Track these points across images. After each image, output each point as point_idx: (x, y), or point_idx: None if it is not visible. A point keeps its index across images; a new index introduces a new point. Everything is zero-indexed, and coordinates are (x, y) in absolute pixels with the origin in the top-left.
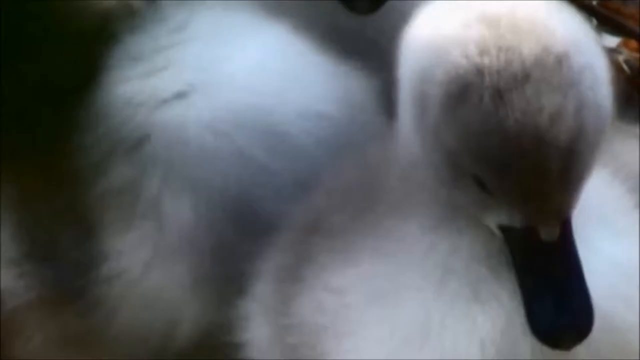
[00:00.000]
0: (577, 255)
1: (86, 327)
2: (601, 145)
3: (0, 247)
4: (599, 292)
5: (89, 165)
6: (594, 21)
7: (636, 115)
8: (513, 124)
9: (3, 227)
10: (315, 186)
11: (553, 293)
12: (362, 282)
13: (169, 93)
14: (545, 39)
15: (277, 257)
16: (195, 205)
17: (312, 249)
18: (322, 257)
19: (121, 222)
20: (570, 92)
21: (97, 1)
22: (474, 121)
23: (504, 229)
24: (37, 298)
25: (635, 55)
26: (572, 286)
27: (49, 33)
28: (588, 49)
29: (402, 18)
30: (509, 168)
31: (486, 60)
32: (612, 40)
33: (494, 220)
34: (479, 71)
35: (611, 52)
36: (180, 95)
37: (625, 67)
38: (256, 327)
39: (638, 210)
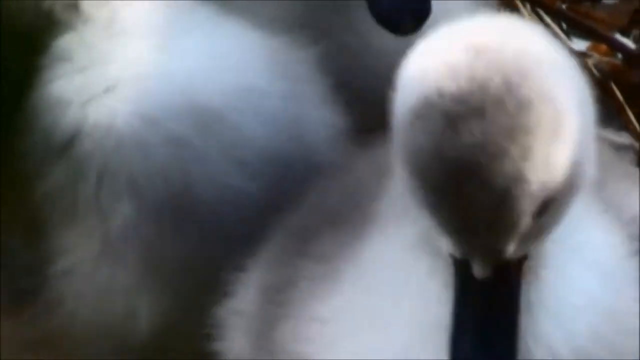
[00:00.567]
0: (514, 300)
1: (45, 329)
2: (564, 204)
3: None
4: (577, 328)
5: (29, 168)
6: (564, 25)
7: (606, 120)
8: (455, 153)
9: None
10: (300, 205)
11: (476, 328)
12: (347, 312)
13: (98, 88)
14: (517, 84)
15: (261, 274)
16: (134, 195)
17: (297, 273)
18: (307, 284)
19: (66, 221)
20: (522, 140)
21: (40, 2)
22: (423, 140)
23: (450, 256)
24: None
25: (605, 59)
26: (497, 325)
27: None
28: (564, 106)
29: None
30: (445, 196)
31: (452, 86)
32: (582, 44)
33: (444, 246)
34: (442, 94)
35: (581, 56)
36: (108, 90)
37: (594, 71)
38: (235, 339)
39: (637, 258)
